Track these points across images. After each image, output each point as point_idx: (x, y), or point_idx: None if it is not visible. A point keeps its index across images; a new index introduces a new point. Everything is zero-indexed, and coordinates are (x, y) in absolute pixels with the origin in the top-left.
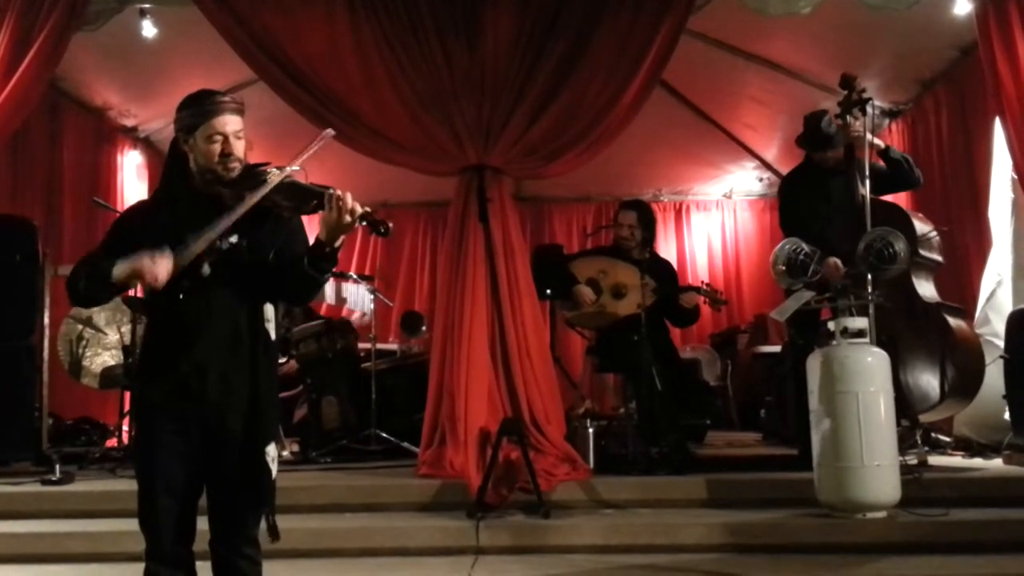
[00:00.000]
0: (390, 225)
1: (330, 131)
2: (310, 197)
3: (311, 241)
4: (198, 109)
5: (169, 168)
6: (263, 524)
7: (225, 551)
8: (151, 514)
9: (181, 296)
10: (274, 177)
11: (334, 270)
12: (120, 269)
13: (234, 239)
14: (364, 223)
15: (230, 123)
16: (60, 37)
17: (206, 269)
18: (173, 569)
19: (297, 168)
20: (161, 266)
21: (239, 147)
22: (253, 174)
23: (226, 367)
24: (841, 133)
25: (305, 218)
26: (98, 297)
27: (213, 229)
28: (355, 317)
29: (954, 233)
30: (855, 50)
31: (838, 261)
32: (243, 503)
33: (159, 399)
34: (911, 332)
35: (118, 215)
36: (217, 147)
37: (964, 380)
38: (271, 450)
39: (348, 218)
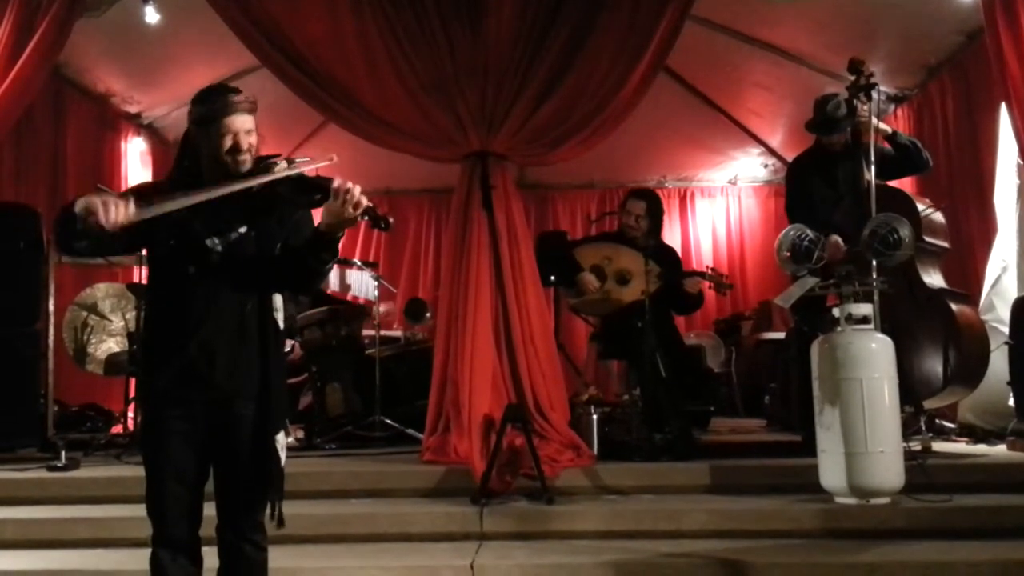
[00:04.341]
0: (391, 220)
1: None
2: (316, 190)
3: None
4: (211, 106)
5: (181, 157)
6: (269, 510)
7: (232, 537)
8: (159, 500)
9: (187, 284)
10: (281, 169)
11: (338, 256)
12: (79, 202)
13: (243, 229)
14: (366, 217)
15: (241, 122)
16: (63, 23)
17: (214, 257)
18: (180, 555)
19: (306, 161)
20: (121, 210)
21: (251, 143)
22: (263, 168)
23: (235, 353)
24: (851, 116)
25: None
26: (65, 234)
27: (198, 195)
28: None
29: (959, 219)
30: (860, 35)
31: (839, 239)
32: (251, 490)
33: (166, 383)
34: (914, 318)
35: (133, 185)
36: (228, 143)
37: (968, 366)
38: (280, 438)
39: (352, 211)
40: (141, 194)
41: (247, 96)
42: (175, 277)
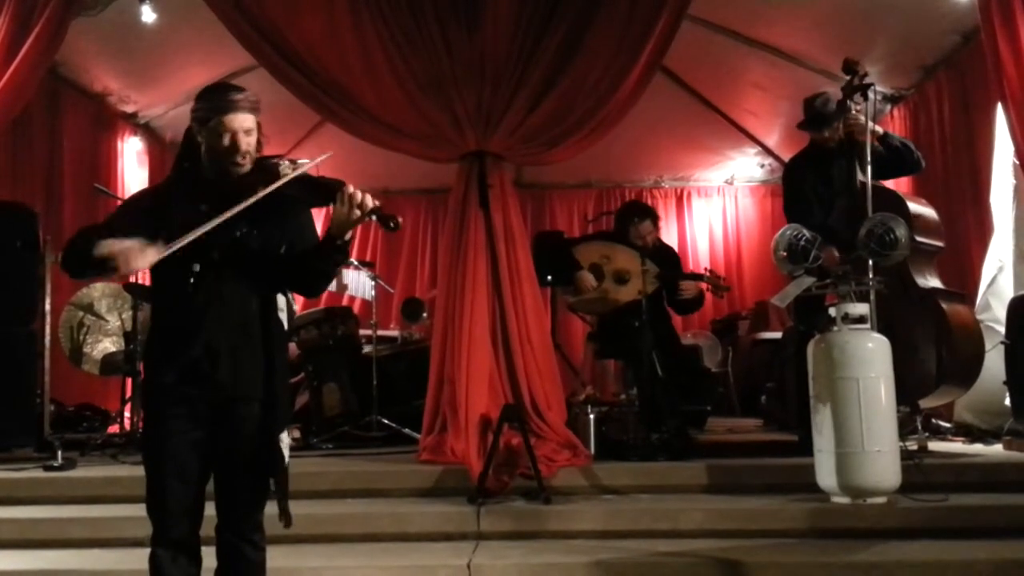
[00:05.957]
0: (399, 220)
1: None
2: (322, 191)
3: (320, 233)
4: (211, 104)
5: (182, 156)
6: (273, 509)
7: (231, 537)
8: (160, 499)
9: (192, 281)
10: (285, 173)
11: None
12: (102, 248)
13: (245, 228)
14: (373, 217)
15: (241, 120)
16: (60, 22)
17: (218, 255)
18: (179, 554)
19: (309, 163)
20: (141, 258)
21: (249, 143)
22: (264, 168)
23: (238, 352)
24: (840, 111)
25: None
26: (80, 269)
27: (216, 219)
28: None
29: (955, 219)
30: (857, 35)
31: (834, 250)
32: (252, 489)
33: (169, 382)
34: (907, 318)
35: (130, 195)
36: (226, 142)
37: (960, 366)
38: (284, 436)
39: (358, 213)
40: (142, 208)
41: (249, 95)
42: (179, 276)
